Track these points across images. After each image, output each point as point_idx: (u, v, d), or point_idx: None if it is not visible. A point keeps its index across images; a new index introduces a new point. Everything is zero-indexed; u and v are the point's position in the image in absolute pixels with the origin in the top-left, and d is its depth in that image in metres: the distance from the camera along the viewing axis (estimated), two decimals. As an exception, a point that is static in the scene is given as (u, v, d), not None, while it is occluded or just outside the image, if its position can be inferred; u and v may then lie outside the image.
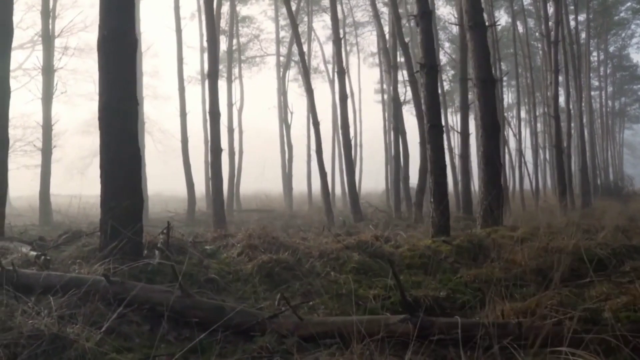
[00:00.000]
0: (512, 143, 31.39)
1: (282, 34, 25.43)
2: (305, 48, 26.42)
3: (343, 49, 25.98)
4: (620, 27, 35.81)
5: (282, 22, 25.34)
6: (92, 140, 37.54)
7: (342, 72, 12.97)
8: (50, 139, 12.72)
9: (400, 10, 25.49)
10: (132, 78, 4.42)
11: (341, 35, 14.88)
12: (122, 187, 4.32)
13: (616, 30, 35.77)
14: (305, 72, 12.03)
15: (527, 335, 3.13)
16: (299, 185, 23.84)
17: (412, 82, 12.15)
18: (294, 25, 12.15)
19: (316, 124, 11.90)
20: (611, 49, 38.04)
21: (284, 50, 25.10)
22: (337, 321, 3.41)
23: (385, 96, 25.69)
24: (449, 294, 4.29)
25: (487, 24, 7.71)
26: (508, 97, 37.28)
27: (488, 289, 4.46)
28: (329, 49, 28.68)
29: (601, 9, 29.96)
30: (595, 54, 35.57)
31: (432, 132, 5.83)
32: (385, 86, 26.05)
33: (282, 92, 22.41)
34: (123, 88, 4.35)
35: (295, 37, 11.95)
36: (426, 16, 5.77)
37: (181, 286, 3.42)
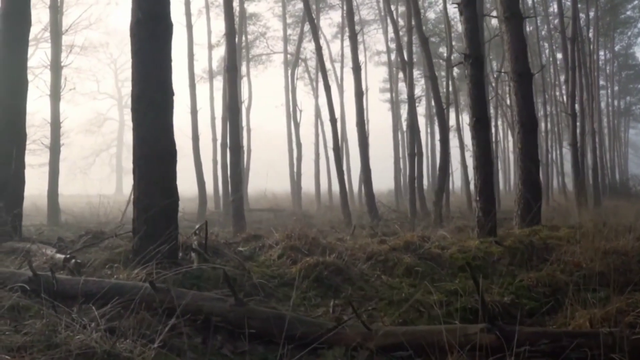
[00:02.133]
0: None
1: (288, 31, 25.09)
2: (313, 45, 26.13)
3: (342, 48, 25.76)
4: (627, 26, 35.53)
5: (288, 20, 25.00)
6: (95, 140, 37.23)
7: (357, 68, 12.63)
8: (59, 137, 12.32)
9: (402, 9, 25.29)
10: (168, 65, 4.07)
11: (348, 33, 14.51)
12: (157, 184, 3.97)
13: (622, 29, 35.50)
14: (322, 68, 11.68)
15: (621, 346, 2.80)
16: (303, 184, 23.46)
17: (432, 77, 11.82)
18: (310, 19, 11.79)
19: (333, 121, 11.56)
20: (616, 47, 37.76)
21: (290, 48, 24.78)
22: (410, 331, 3.07)
23: (393, 94, 25.36)
24: (513, 299, 3.96)
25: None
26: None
27: (553, 293, 4.17)
28: (335, 47, 28.39)
29: (608, 7, 29.66)
30: (601, 52, 35.28)
31: (478, 126, 5.49)
32: (392, 84, 25.74)
33: (292, 90, 22.04)
34: (158, 76, 4.01)
35: (313, 31, 11.60)
36: (471, 4, 5.44)
37: (234, 293, 3.07)
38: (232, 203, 8.69)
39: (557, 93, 28.10)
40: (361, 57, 26.38)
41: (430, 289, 4.05)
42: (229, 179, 8.73)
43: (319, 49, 11.50)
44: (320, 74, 25.23)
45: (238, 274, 3.90)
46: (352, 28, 12.69)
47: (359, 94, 12.64)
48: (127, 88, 40.04)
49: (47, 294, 2.86)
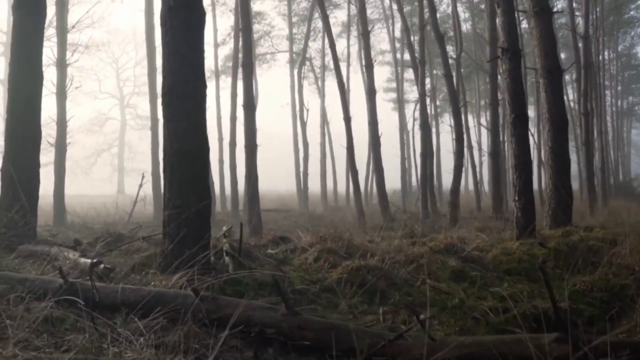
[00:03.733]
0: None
1: (293, 30, 24.81)
2: (319, 44, 25.84)
3: (347, 48, 25.51)
4: (630, 26, 35.43)
5: (293, 19, 24.74)
6: (96, 140, 36.86)
7: (370, 65, 12.38)
8: (65, 135, 12.03)
9: (408, 8, 25.08)
10: (200, 56, 3.82)
11: (361, 30, 14.29)
12: (191, 184, 3.71)
13: (625, 28, 35.42)
14: (336, 65, 11.43)
15: None
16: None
17: (448, 75, 11.58)
18: (324, 15, 11.54)
19: (347, 119, 11.31)
20: (619, 47, 37.66)
21: (295, 47, 24.53)
22: (478, 341, 2.82)
23: (399, 94, 25.12)
24: (570, 305, 3.71)
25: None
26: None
27: (611, 298, 3.93)
28: (339, 46, 28.03)
29: (613, 6, 29.52)
30: (605, 52, 35.11)
31: (517, 123, 5.25)
32: (398, 84, 25.49)
33: (298, 89, 21.78)
34: (192, 67, 3.75)
35: (326, 28, 11.34)
36: (508, -5, 5.22)
37: (286, 302, 2.81)
38: (248, 203, 8.43)
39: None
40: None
41: (480, 294, 3.82)
42: (245, 178, 8.48)
43: (332, 45, 11.25)
44: (325, 72, 25.06)
45: (278, 280, 3.64)
46: (364, 25, 12.45)
47: (371, 92, 12.39)
48: (129, 88, 39.72)
49: (84, 304, 2.60)
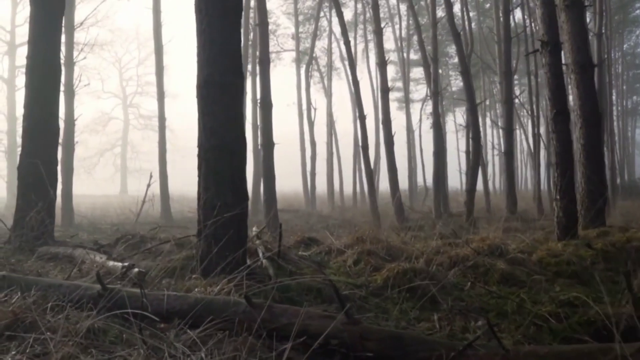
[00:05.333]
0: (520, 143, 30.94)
1: (299, 29, 24.58)
2: (324, 43, 25.64)
3: (354, 47, 25.27)
4: (635, 24, 35.27)
5: (299, 18, 24.50)
6: (99, 140, 36.62)
7: (383, 63, 12.14)
8: (73, 134, 11.80)
9: (415, 7, 24.86)
10: (238, 46, 3.58)
11: (374, 28, 14.04)
12: (229, 181, 3.48)
13: (631, 27, 35.27)
14: (351, 63, 11.20)
15: None
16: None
17: (465, 72, 11.35)
18: (339, 13, 11.28)
19: (362, 118, 11.08)
20: (624, 46, 37.52)
21: (300, 46, 24.29)
22: (554, 352, 2.59)
23: (406, 93, 24.91)
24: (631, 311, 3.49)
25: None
26: (520, 96, 36.43)
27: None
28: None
29: (619, 5, 29.35)
30: (611, 51, 34.91)
31: (558, 119, 5.03)
32: (405, 84, 25.28)
33: (305, 88, 21.54)
34: (229, 58, 3.51)
35: (341, 25, 11.08)
36: (547, -15, 5.01)
37: (345, 310, 2.58)
38: (265, 203, 8.20)
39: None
40: (371, 56, 25.66)
41: (534, 298, 3.60)
42: (262, 177, 8.25)
43: (347, 42, 11.02)
44: (331, 72, 24.81)
45: (321, 284, 3.42)
46: (377, 23, 12.22)
47: (385, 91, 12.16)
48: (132, 87, 39.49)
49: (131, 314, 2.36)
